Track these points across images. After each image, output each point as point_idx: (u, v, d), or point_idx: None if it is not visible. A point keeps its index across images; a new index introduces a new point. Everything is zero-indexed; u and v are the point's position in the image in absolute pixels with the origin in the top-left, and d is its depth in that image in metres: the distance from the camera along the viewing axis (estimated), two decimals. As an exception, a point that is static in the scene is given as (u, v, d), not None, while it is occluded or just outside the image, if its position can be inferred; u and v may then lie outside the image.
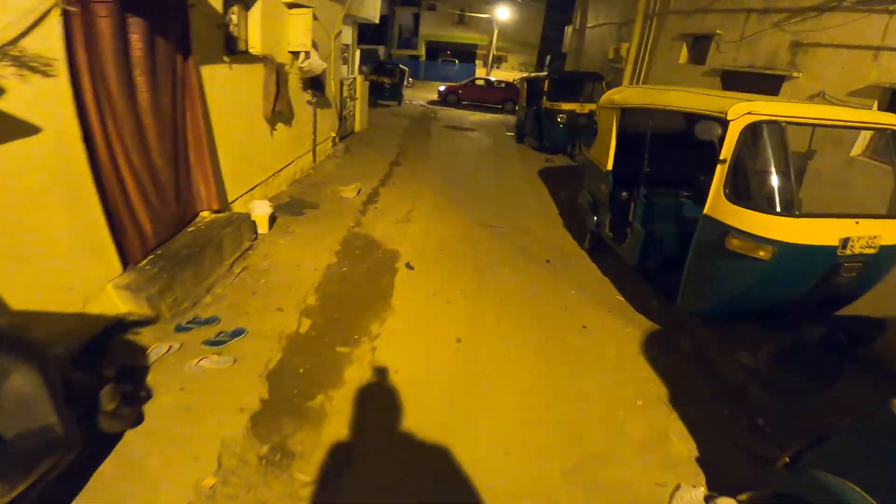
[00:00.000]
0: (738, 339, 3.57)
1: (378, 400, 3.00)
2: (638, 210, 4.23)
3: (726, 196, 3.10)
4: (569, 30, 15.89)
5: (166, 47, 3.62)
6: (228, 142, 4.83)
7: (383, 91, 17.10)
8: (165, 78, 3.67)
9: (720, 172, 3.14)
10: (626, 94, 4.84)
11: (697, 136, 3.17)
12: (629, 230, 4.37)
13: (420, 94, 24.50)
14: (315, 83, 6.88)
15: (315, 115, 7.34)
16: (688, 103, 3.77)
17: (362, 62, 19.65)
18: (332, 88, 8.29)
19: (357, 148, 9.58)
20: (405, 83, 22.83)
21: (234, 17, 4.90)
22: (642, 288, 4.56)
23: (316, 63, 6.20)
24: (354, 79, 10.57)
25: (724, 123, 3.10)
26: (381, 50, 35.31)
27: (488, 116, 18.44)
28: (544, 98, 9.45)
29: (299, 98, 6.70)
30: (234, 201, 5.10)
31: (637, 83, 8.92)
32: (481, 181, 8.24)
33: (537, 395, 3.18)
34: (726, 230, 3.06)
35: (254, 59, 5.09)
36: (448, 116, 16.80)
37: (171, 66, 3.72)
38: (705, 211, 3.25)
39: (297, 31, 5.83)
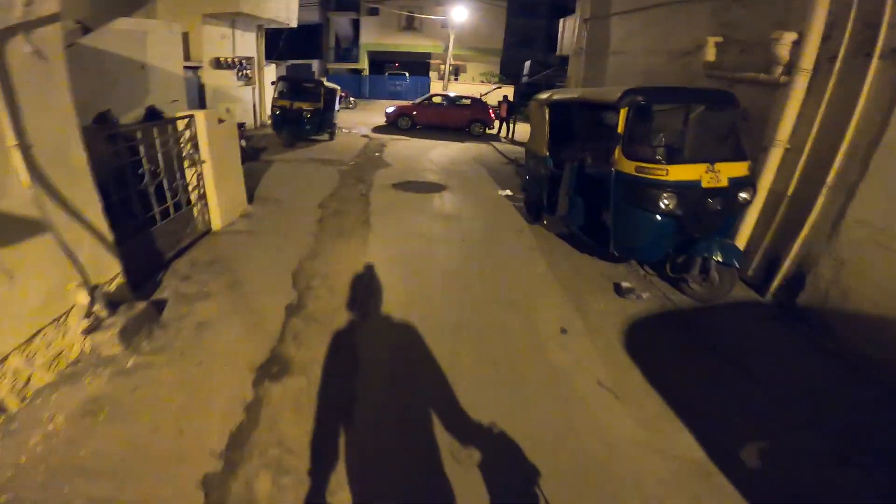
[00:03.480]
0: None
1: None
2: None
3: None
4: (568, 23, 10.85)
5: None
6: None
7: (302, 123, 11.44)
8: None
9: None
10: None
11: None
12: None
13: (363, 118, 18.99)
14: None
15: None
16: None
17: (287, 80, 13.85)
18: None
19: (187, 302, 3.95)
20: (341, 106, 17.33)
21: None
22: None
23: None
24: (191, 118, 4.86)
25: None
26: (316, 65, 29.62)
27: (455, 149, 13.15)
28: (617, 151, 4.09)
29: None
30: None
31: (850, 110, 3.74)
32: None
33: None
34: None
35: None
36: (400, 155, 11.36)
37: None
38: None
39: None
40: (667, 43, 6.42)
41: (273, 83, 12.08)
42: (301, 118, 11.32)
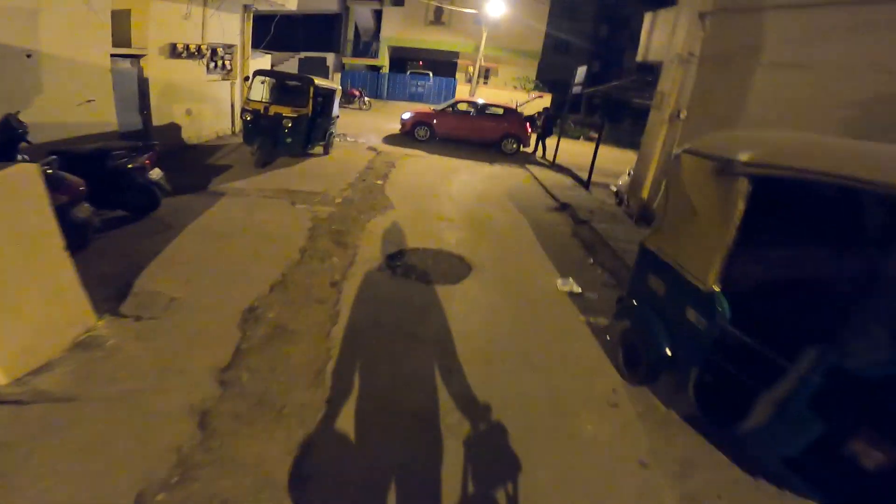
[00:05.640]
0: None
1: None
2: None
3: None
4: (662, 18, 7.68)
5: None
6: None
7: (279, 134, 8.39)
8: None
9: None
10: None
11: None
12: None
13: (376, 123, 16.01)
14: None
15: None
16: None
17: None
18: None
19: None
20: (344, 105, 14.33)
21: None
22: None
23: None
24: None
25: None
26: (331, 59, 26.74)
27: (484, 176, 10.11)
28: None
29: None
30: None
31: None
32: None
33: None
34: None
35: None
36: (409, 187, 8.31)
37: None
38: None
39: None
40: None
41: (246, 79, 9.10)
42: (279, 128, 8.29)
